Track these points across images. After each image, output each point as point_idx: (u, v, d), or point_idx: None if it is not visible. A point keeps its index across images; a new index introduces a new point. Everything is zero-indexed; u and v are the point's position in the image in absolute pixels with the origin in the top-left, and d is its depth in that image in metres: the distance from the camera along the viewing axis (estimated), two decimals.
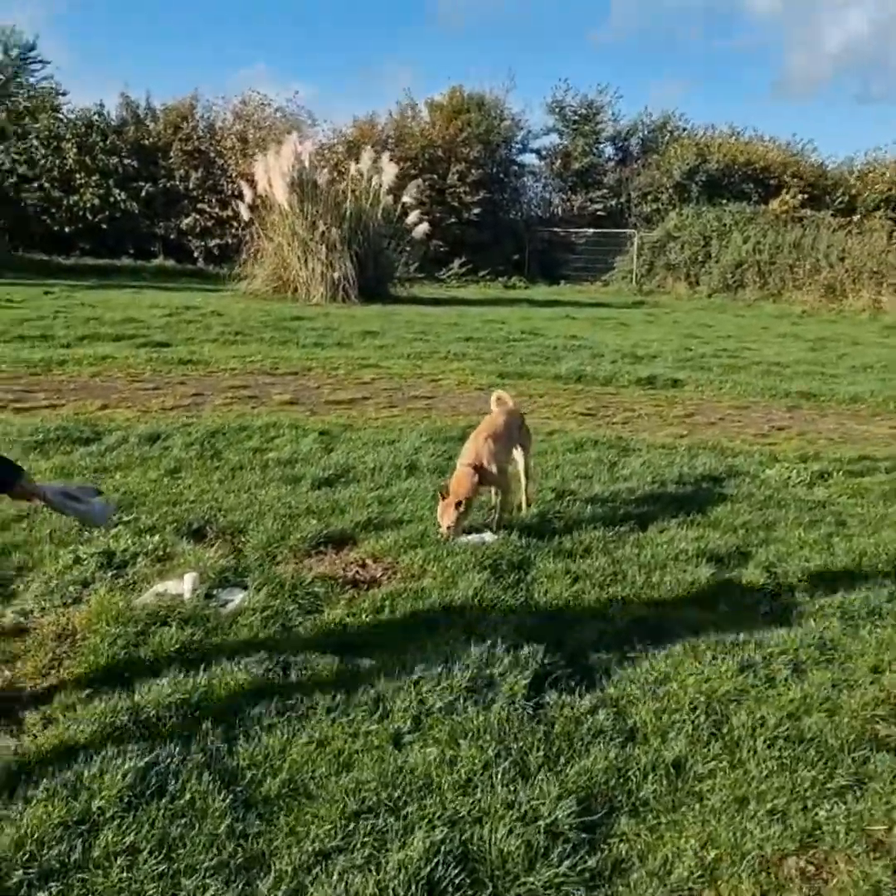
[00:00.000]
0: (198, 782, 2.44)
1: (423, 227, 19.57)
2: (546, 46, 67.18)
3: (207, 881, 2.12)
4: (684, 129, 31.92)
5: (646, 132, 32.16)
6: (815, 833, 2.44)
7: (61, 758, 2.54)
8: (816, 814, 2.50)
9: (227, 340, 11.37)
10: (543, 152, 31.64)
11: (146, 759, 2.50)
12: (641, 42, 75.86)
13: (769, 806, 2.51)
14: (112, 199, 24.39)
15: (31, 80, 26.73)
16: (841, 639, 3.60)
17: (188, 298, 16.24)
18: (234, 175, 23.51)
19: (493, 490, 4.85)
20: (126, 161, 24.75)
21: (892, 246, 23.96)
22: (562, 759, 2.67)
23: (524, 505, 5.01)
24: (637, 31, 77.31)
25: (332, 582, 3.92)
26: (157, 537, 4.25)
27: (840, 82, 71.94)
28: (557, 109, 31.46)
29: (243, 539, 4.38)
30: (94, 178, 24.35)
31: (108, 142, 24.81)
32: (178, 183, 25.38)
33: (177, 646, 3.22)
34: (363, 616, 3.60)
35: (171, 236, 25.24)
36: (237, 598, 3.71)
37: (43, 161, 24.34)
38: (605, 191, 30.41)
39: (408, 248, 20.40)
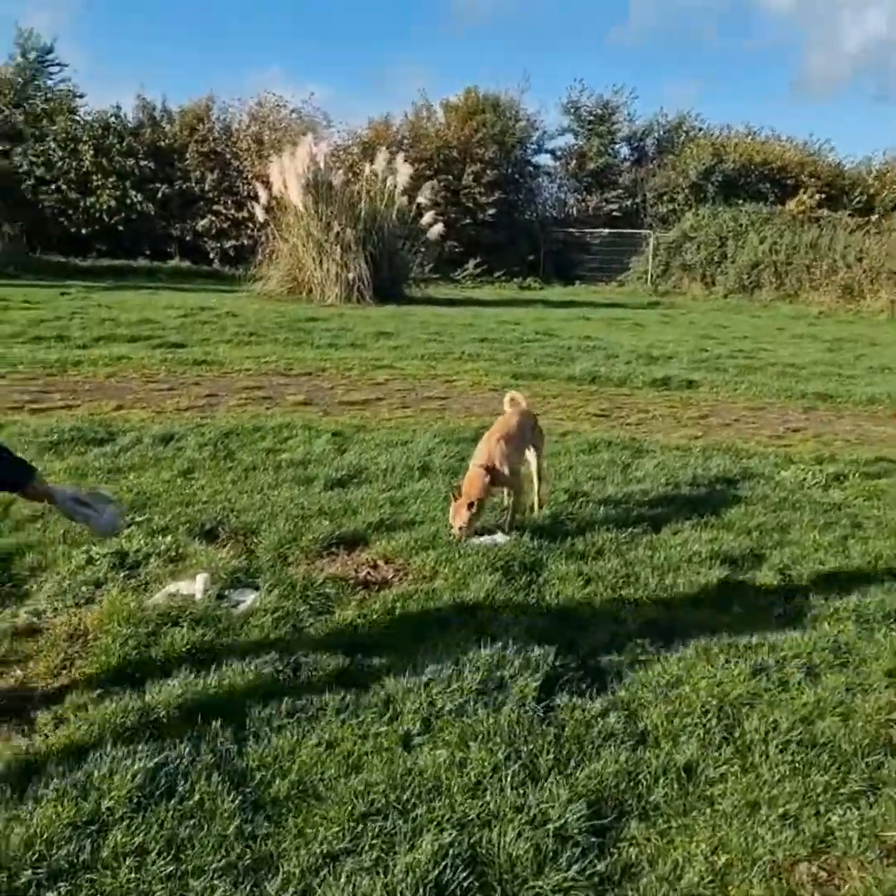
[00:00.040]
0: (207, 783, 2.44)
1: (438, 228, 19.59)
2: (562, 47, 67.13)
3: (215, 882, 2.12)
4: (700, 129, 31.87)
5: (661, 132, 32.10)
6: (827, 838, 2.41)
7: (72, 758, 2.54)
8: (829, 819, 2.48)
9: (242, 341, 11.41)
10: (558, 153, 31.68)
11: (155, 760, 2.51)
12: (658, 42, 75.88)
13: (781, 811, 2.49)
14: (128, 201, 24.51)
15: (49, 82, 27.00)
16: (856, 642, 3.57)
17: (203, 299, 16.30)
18: (249, 176, 23.60)
19: (505, 491, 4.84)
20: (142, 163, 24.88)
21: None
22: (572, 763, 2.66)
23: (536, 506, 4.99)
24: (654, 31, 77.27)
25: (344, 583, 3.92)
26: (169, 538, 4.26)
27: (859, 82, 71.52)
28: (573, 110, 31.46)
29: (255, 540, 4.39)
30: (110, 179, 24.49)
31: (124, 144, 24.94)
32: (193, 184, 25.49)
33: (188, 646, 3.23)
34: (374, 617, 3.59)
35: (187, 238, 25.34)
36: (249, 598, 3.71)
37: (60, 163, 24.49)
38: (620, 191, 30.35)
39: (423, 249, 20.40)
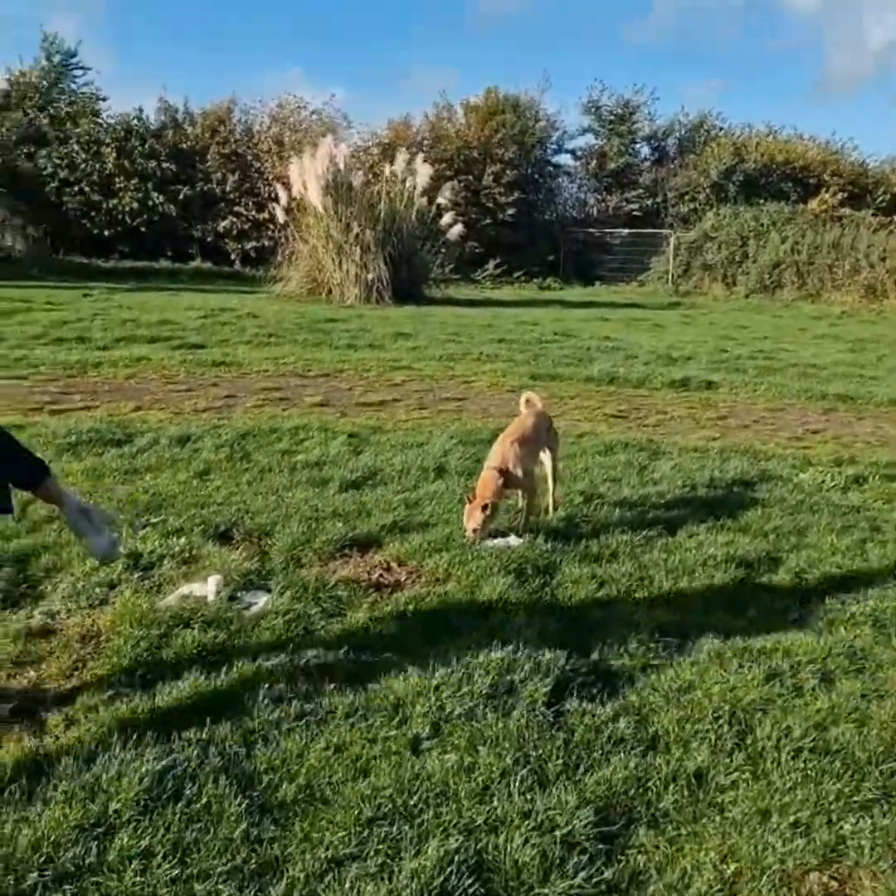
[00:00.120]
0: (214, 786, 2.45)
1: (458, 229, 19.60)
2: (583, 47, 66.87)
3: (220, 886, 2.12)
4: (721, 129, 31.68)
5: (682, 132, 31.93)
6: (839, 848, 2.38)
7: (81, 759, 2.55)
8: (841, 828, 2.45)
9: (261, 342, 11.45)
10: (579, 153, 31.59)
11: (164, 763, 2.51)
12: (680, 41, 75.34)
13: (792, 819, 2.46)
14: (150, 203, 24.69)
15: (73, 85, 27.25)
16: (872, 648, 3.53)
17: (224, 300, 16.38)
18: (270, 178, 23.70)
19: (519, 493, 4.83)
20: (164, 165, 25.06)
21: None
22: (581, 768, 2.64)
23: (551, 508, 4.97)
24: (676, 31, 76.80)
25: (356, 585, 3.92)
26: (183, 539, 4.27)
27: (883, 81, 70.76)
28: (593, 110, 31.37)
29: (269, 541, 4.39)
30: (132, 181, 24.68)
31: (146, 146, 25.13)
32: (215, 186, 25.63)
33: (198, 648, 3.24)
34: (385, 620, 3.59)
35: (209, 239, 25.50)
36: (261, 600, 3.72)
37: (83, 165, 24.71)
38: (640, 191, 30.22)
39: (443, 250, 20.41)
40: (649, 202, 30.08)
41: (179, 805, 2.37)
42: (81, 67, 27.33)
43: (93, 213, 24.82)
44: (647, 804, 2.52)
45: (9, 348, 9.93)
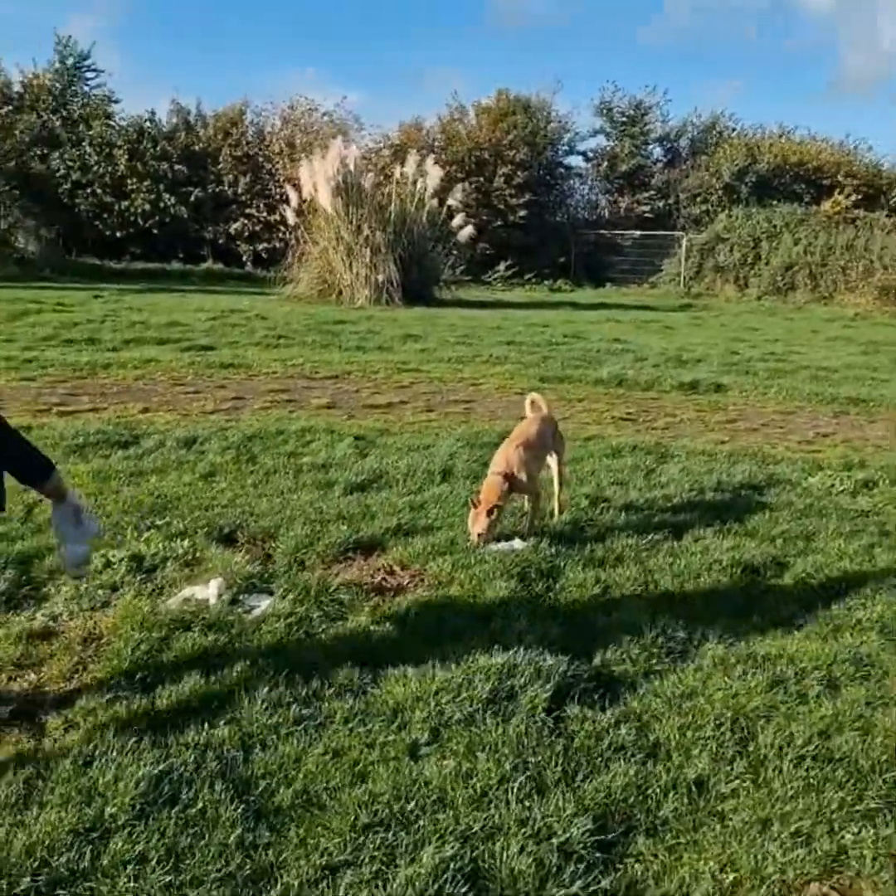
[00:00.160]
0: (210, 791, 2.44)
1: (469, 230, 19.59)
2: (595, 48, 66.80)
3: (213, 893, 2.11)
4: (734, 130, 31.54)
5: (695, 133, 31.80)
6: (840, 858, 2.36)
7: (78, 763, 2.55)
8: (843, 837, 2.42)
9: (270, 344, 11.46)
10: (590, 154, 31.51)
11: (160, 767, 2.51)
12: (692, 42, 75.15)
13: (793, 828, 2.43)
14: (162, 205, 24.78)
15: (86, 88, 27.33)
16: (878, 654, 3.49)
17: (234, 302, 16.41)
18: (281, 180, 23.74)
19: (525, 497, 4.81)
20: (176, 167, 25.16)
21: None
22: (580, 775, 2.62)
23: (556, 512, 4.95)
24: (688, 32, 76.59)
25: (359, 589, 3.91)
26: (187, 542, 4.27)
27: None
28: (605, 111, 31.27)
29: (273, 544, 4.39)
30: (145, 183, 24.78)
31: (158, 148, 25.24)
32: (226, 188, 25.72)
33: (199, 651, 3.23)
34: (387, 624, 3.58)
35: (220, 240, 25.58)
36: (263, 604, 3.71)
37: (96, 167, 24.82)
38: (652, 192, 30.13)
39: (453, 252, 20.40)
40: (661, 204, 29.99)
41: (175, 810, 2.36)
42: (94, 70, 27.45)
43: (105, 215, 24.93)
44: (646, 812, 2.49)
45: (19, 350, 9.98)
